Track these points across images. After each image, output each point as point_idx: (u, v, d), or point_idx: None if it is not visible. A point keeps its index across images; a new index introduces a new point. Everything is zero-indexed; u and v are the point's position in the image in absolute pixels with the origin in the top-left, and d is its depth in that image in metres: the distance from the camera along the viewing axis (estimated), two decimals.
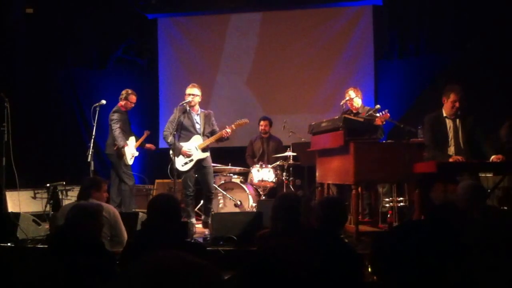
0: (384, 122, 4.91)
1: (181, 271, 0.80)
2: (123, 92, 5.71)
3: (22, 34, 7.33)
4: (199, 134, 5.13)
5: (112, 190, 5.47)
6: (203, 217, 5.33)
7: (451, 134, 4.36)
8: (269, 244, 1.79)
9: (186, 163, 5.09)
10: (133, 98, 5.70)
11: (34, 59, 7.45)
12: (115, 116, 5.52)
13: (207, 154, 5.15)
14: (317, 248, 2.42)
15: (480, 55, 6.38)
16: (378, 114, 4.93)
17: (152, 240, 2.58)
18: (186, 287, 0.78)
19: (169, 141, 5.02)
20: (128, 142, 5.59)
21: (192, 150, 5.07)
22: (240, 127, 5.27)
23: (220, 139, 5.14)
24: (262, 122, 6.57)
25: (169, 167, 5.21)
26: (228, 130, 5.05)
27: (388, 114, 4.92)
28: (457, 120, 4.35)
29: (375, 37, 7.12)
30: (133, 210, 5.45)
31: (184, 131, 5.12)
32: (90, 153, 4.99)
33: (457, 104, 4.27)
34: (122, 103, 5.67)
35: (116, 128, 5.47)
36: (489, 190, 4.52)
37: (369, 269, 3.28)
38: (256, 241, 3.11)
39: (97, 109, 5.24)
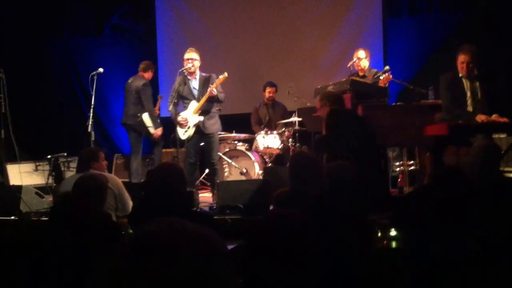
0: (387, 84, 4.71)
1: (183, 238, 0.78)
2: (145, 62, 5.63)
3: (13, 1, 7.07)
4: (195, 100, 4.95)
5: (134, 162, 5.40)
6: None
7: (468, 94, 4.18)
8: (272, 215, 1.69)
9: (186, 131, 4.96)
10: (153, 70, 5.74)
11: (28, 28, 7.22)
12: (149, 92, 5.42)
13: (202, 118, 4.88)
14: (326, 215, 2.33)
15: (491, 14, 6.08)
16: (381, 77, 4.75)
17: (157, 210, 2.50)
18: (188, 254, 0.76)
19: (169, 109, 4.96)
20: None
21: (188, 117, 4.91)
22: (222, 83, 4.91)
23: (212, 100, 4.87)
24: (268, 89, 6.31)
25: (171, 136, 5.10)
26: (214, 90, 4.75)
27: (391, 76, 4.73)
28: (475, 80, 4.16)
29: None
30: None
31: (186, 100, 5.00)
32: (90, 123, 4.90)
33: (464, 66, 4.05)
34: (146, 74, 5.56)
35: (152, 109, 5.41)
36: (502, 152, 4.39)
37: (379, 234, 3.21)
38: (273, 202, 3.02)
39: (95, 77, 5.09)
